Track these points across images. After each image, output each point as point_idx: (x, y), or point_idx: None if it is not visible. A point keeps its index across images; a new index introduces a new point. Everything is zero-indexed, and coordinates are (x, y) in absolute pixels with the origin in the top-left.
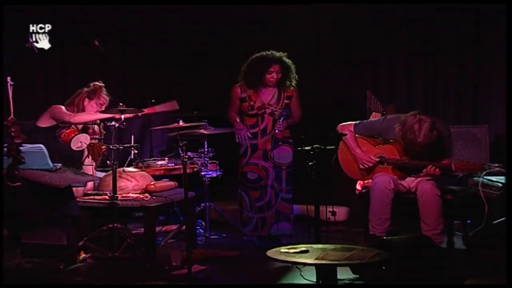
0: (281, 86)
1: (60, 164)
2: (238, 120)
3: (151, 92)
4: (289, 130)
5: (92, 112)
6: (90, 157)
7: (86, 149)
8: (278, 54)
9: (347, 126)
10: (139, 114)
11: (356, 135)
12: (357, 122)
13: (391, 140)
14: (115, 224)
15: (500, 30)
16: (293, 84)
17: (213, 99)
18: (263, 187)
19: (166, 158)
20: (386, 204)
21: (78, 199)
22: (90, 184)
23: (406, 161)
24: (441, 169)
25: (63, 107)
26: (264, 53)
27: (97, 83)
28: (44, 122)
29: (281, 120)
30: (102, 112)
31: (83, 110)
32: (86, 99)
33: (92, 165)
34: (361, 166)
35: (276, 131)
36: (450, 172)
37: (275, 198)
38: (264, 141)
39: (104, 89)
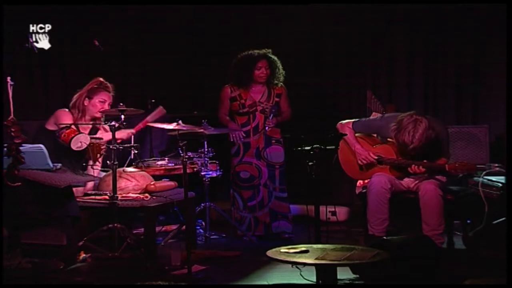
0: (269, 83)
1: (60, 164)
2: (229, 120)
3: (151, 92)
4: (280, 130)
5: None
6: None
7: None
8: (262, 51)
9: (346, 124)
10: (133, 132)
11: (355, 134)
12: (356, 120)
13: (389, 140)
14: (115, 224)
15: (500, 30)
16: (281, 80)
17: (213, 99)
18: (255, 186)
19: (166, 158)
20: (383, 204)
21: (78, 199)
22: (90, 184)
23: (403, 161)
24: (435, 170)
25: (66, 111)
26: (248, 51)
27: (99, 79)
28: (51, 125)
29: (270, 117)
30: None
31: (84, 111)
32: (86, 99)
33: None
34: (359, 162)
35: (266, 128)
36: (445, 173)
37: (268, 198)
38: (257, 139)
39: (104, 84)
